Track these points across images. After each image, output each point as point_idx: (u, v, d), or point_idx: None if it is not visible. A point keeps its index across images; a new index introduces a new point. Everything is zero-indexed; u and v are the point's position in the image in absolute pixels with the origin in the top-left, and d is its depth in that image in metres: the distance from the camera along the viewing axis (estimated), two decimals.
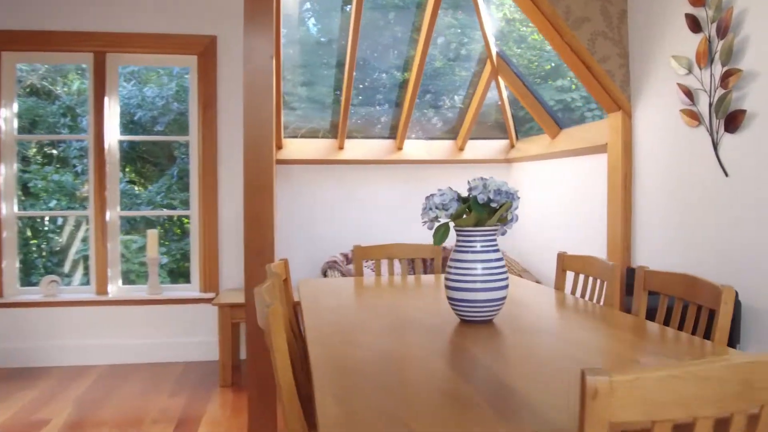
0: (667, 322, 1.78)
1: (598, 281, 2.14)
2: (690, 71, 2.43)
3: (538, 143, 4.00)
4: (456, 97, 4.31)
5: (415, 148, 4.40)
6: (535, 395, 1.12)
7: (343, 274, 3.91)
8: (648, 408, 0.77)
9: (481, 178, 1.73)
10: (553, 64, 4.79)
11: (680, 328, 1.69)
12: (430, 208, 1.73)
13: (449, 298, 1.76)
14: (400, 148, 4.34)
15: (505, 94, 4.15)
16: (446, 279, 1.77)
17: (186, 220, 5.25)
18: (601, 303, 2.07)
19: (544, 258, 3.94)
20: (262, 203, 2.67)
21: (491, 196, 1.67)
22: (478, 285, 1.70)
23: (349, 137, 4.30)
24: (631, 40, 2.83)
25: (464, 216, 1.73)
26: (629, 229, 2.89)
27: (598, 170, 3.21)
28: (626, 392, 0.76)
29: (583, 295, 2.21)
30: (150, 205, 5.10)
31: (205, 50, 3.95)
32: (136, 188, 5.31)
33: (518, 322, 1.76)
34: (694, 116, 2.41)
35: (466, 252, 1.73)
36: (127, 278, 4.55)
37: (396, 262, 3.95)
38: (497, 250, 1.74)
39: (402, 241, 4.22)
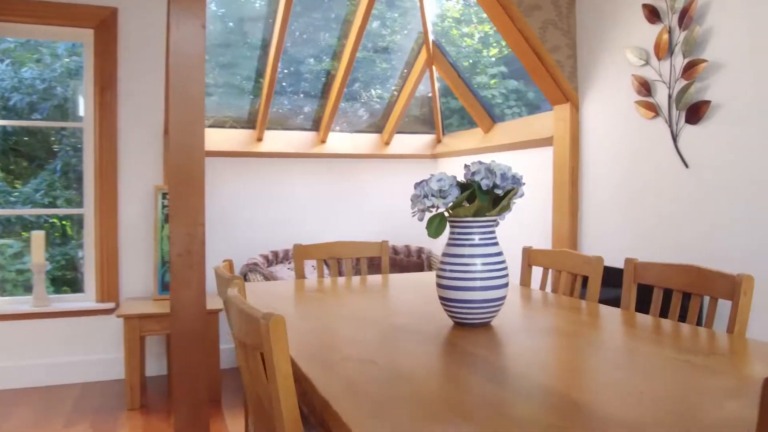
0: (662, 316, 1.69)
1: (572, 276, 2.03)
2: (647, 62, 2.41)
3: (469, 138, 3.91)
4: (383, 89, 4.12)
5: (339, 141, 4.14)
6: (596, 401, 0.93)
7: (266, 278, 3.56)
8: None
9: (480, 162, 1.54)
10: (471, 61, 4.76)
11: (679, 320, 1.61)
12: (426, 196, 1.51)
13: (443, 299, 1.55)
14: (323, 141, 4.06)
15: (436, 86, 4.02)
16: (439, 277, 1.56)
17: (67, 223, 4.60)
18: (571, 298, 1.96)
19: None
20: (191, 197, 2.31)
21: (497, 182, 1.48)
22: (477, 283, 1.50)
23: (267, 128, 3.96)
24: (579, 31, 2.79)
25: (463, 205, 1.53)
26: (576, 224, 2.85)
27: (542, 164, 3.16)
28: None
29: (555, 291, 2.10)
30: (27, 205, 4.40)
31: (104, 23, 3.44)
32: (8, 186, 4.57)
33: (514, 323, 1.59)
34: (651, 108, 2.40)
35: (463, 246, 1.53)
36: (3, 289, 3.87)
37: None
38: (497, 243, 1.56)
39: (328, 240, 3.95)
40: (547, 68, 2.78)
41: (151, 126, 3.57)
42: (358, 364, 1.20)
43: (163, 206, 3.59)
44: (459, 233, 1.54)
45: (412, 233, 4.32)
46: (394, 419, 0.91)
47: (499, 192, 1.50)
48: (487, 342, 1.39)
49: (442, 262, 1.56)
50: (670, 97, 2.31)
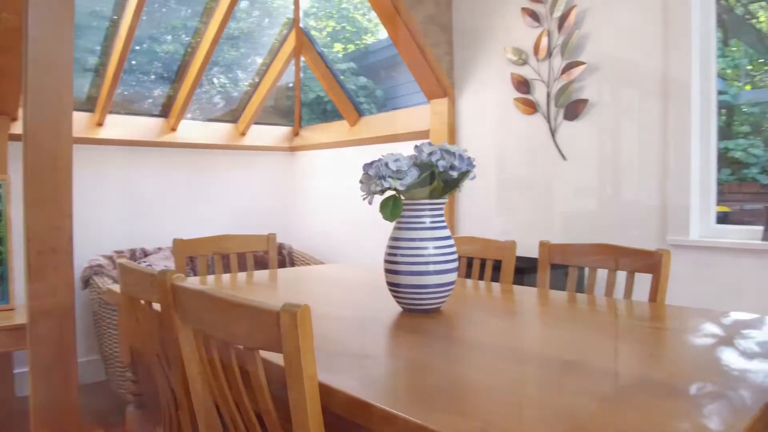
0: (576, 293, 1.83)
1: (486, 261, 2.10)
2: (526, 62, 2.59)
3: (332, 131, 3.85)
4: (242, 75, 3.87)
5: (191, 130, 3.80)
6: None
7: (116, 281, 3.12)
8: None
9: (429, 143, 1.51)
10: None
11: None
12: (382, 177, 1.43)
13: (393, 285, 1.49)
14: (174, 129, 3.69)
15: (300, 76, 3.89)
16: (389, 263, 1.49)
17: None
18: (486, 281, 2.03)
19: (344, 249, 3.82)
20: (57, 184, 1.93)
21: (455, 163, 1.46)
22: (431, 267, 1.47)
23: (109, 112, 3.47)
24: (456, 28, 2.91)
25: (418, 187, 1.48)
26: (453, 213, 2.97)
27: None
28: None
29: (468, 277, 2.15)
30: None
31: None
32: None
33: (458, 308, 1.59)
34: (530, 104, 2.58)
35: (414, 229, 1.49)
36: None
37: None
38: (446, 227, 1.54)
39: (179, 237, 3.60)
40: (428, 62, 2.85)
41: None
42: (353, 360, 1.09)
43: None
44: (410, 216, 1.49)
45: (270, 229, 4.13)
46: (457, 410, 0.84)
47: (454, 174, 1.48)
48: (455, 325, 1.36)
49: (392, 247, 1.50)
50: (548, 95, 2.51)
